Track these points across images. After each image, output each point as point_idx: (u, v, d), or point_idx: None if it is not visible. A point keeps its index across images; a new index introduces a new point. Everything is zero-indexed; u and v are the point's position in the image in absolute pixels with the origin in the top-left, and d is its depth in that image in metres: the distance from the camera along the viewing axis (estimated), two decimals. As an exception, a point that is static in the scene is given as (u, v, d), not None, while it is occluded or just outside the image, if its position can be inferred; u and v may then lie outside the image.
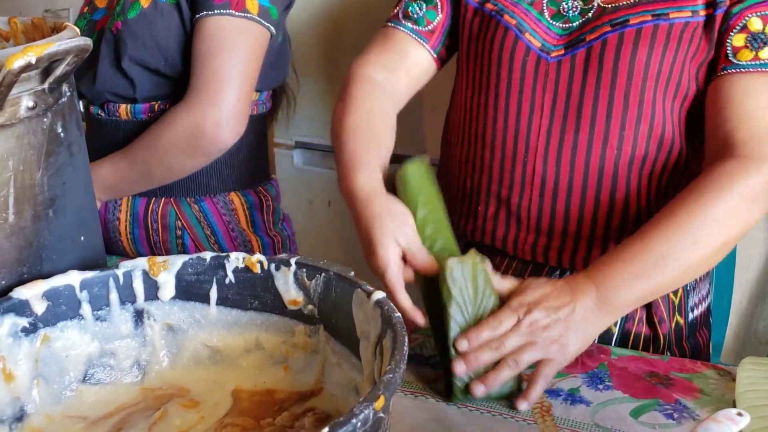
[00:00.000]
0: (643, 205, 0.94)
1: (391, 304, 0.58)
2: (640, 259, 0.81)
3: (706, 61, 0.91)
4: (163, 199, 1.17)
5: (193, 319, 0.70)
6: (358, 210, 0.85)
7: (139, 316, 0.69)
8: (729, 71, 0.89)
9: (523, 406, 0.76)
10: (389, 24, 1.05)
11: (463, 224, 1.04)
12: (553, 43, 0.95)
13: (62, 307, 0.64)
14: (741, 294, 1.47)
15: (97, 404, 0.65)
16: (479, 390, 0.75)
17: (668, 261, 0.80)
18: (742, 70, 0.88)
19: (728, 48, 0.89)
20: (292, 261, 0.67)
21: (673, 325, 0.98)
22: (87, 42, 0.61)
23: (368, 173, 0.87)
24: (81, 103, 1.17)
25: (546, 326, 0.77)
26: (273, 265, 0.67)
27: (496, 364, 0.76)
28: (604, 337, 0.96)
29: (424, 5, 1.04)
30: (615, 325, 0.96)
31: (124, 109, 1.14)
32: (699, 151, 0.96)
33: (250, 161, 1.21)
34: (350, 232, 1.72)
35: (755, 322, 1.52)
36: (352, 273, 0.64)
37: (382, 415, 0.46)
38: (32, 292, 0.62)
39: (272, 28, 1.11)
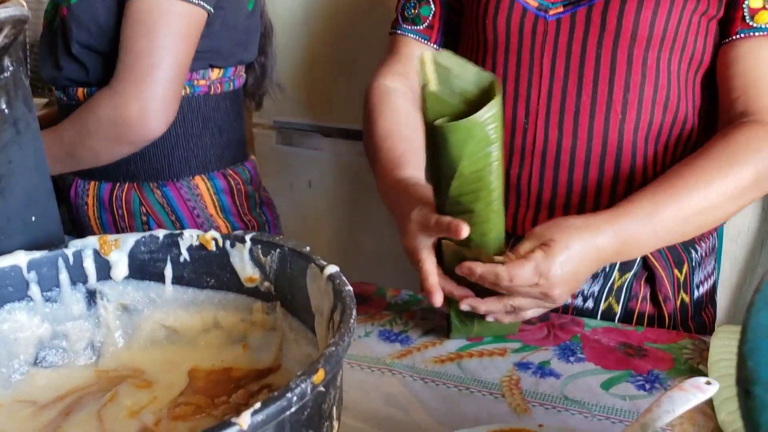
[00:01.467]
0: (650, 175, 0.91)
1: (343, 278, 0.56)
2: (670, 217, 0.78)
3: (716, 17, 0.87)
4: (126, 185, 1.14)
5: (149, 299, 0.68)
6: (398, 200, 0.83)
7: (91, 296, 0.67)
8: (746, 35, 0.85)
9: (489, 318, 0.77)
10: (393, 30, 1.06)
11: None
12: (552, 1, 0.91)
13: (9, 289, 0.62)
14: (730, 268, 1.46)
15: (48, 387, 0.63)
16: (464, 307, 0.76)
17: (697, 219, 0.79)
18: (761, 33, 0.84)
19: (745, 10, 0.85)
20: (247, 237, 0.65)
21: (678, 303, 0.96)
22: (23, 13, 0.59)
23: (411, 170, 0.86)
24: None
25: (560, 295, 0.74)
26: (228, 242, 0.65)
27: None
28: (608, 315, 0.94)
29: (416, 2, 1.03)
30: (618, 303, 0.94)
31: (81, 93, 1.11)
32: (706, 120, 0.93)
33: (218, 143, 1.18)
34: (331, 212, 1.71)
35: (744, 296, 1.51)
36: (308, 248, 0.62)
37: (322, 389, 0.45)
38: (-24, 274, 0.60)
39: (207, 5, 1.06)
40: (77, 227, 1.23)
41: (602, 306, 0.94)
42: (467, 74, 0.70)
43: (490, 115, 0.67)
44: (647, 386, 0.74)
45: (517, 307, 0.75)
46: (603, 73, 0.88)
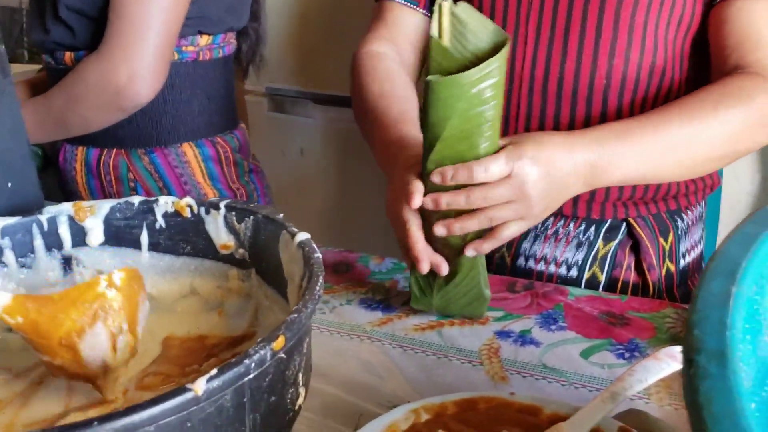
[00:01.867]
0: None
1: (313, 245, 0.56)
2: (646, 141, 0.76)
3: None
4: (114, 150, 1.14)
5: (125, 265, 0.68)
6: (395, 158, 0.79)
7: (67, 263, 0.67)
8: None
9: (469, 252, 0.73)
10: None
11: None
12: None
13: (-17, 255, 0.62)
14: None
15: (23, 355, 0.63)
16: (439, 230, 0.71)
17: (678, 151, 0.77)
18: None
19: None
20: (222, 204, 0.64)
21: (663, 272, 0.95)
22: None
23: (410, 127, 0.83)
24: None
25: (533, 183, 0.70)
26: (203, 209, 0.65)
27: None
28: (592, 284, 0.94)
29: None
30: (602, 272, 0.94)
31: (68, 57, 1.10)
32: (694, 86, 0.91)
33: (207, 110, 1.17)
34: (322, 179, 1.71)
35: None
36: (281, 215, 0.62)
37: (283, 355, 0.45)
38: (-53, 240, 0.60)
39: None
40: (66, 193, 1.22)
41: (586, 274, 0.94)
42: (484, 31, 0.67)
43: (488, 72, 0.65)
44: (627, 355, 0.74)
45: (493, 219, 0.71)
46: (588, 39, 0.86)
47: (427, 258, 0.74)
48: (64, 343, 0.52)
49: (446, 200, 0.70)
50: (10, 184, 0.69)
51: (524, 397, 0.56)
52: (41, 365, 0.62)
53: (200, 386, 0.39)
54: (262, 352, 0.42)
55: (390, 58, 0.97)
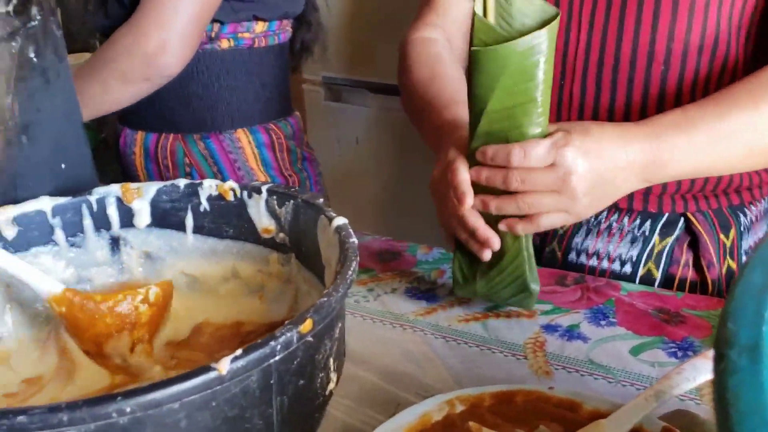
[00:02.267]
0: None
1: (349, 230, 0.55)
2: (707, 128, 0.71)
3: None
4: (171, 136, 1.16)
5: (170, 247, 0.69)
6: (446, 139, 0.76)
7: (115, 243, 0.68)
8: None
9: (501, 226, 0.71)
10: None
11: None
12: None
13: (34, 233, 0.64)
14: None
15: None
16: (476, 203, 0.69)
17: (743, 139, 0.72)
18: None
19: None
20: (263, 188, 0.64)
21: (723, 269, 0.91)
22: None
23: (463, 108, 0.78)
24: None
25: (580, 176, 0.67)
26: (246, 193, 0.65)
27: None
28: (647, 281, 0.90)
29: None
30: (657, 268, 0.90)
31: None
32: (759, 63, 0.85)
33: (261, 97, 1.18)
34: (377, 168, 1.70)
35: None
36: (321, 200, 0.61)
37: (311, 339, 0.44)
38: (1, 217, 0.61)
39: None
40: (127, 178, 1.25)
41: (641, 271, 0.90)
42: (530, 7, 0.65)
43: (533, 45, 0.63)
44: (679, 354, 0.71)
45: (532, 205, 0.68)
46: (645, 23, 0.83)
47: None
48: (93, 340, 0.58)
49: (485, 174, 0.69)
50: (64, 166, 0.71)
51: (564, 392, 0.54)
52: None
53: (224, 366, 0.39)
54: (288, 334, 0.42)
55: (439, 43, 0.95)
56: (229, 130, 1.16)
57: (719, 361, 0.26)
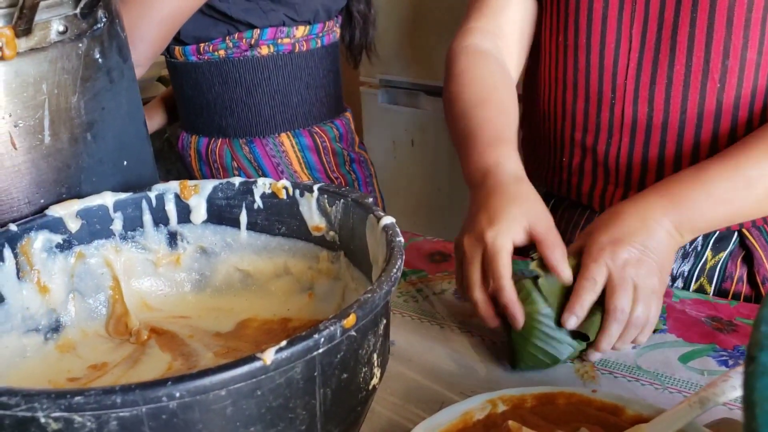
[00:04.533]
0: None
1: (396, 229, 0.56)
2: (724, 179, 0.72)
3: None
4: (220, 140, 1.20)
5: (225, 243, 0.71)
6: (487, 187, 0.73)
7: (173, 238, 0.71)
8: None
9: (595, 356, 0.69)
10: None
11: (550, 177, 0.97)
12: None
13: (96, 226, 0.67)
14: None
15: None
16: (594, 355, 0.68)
17: (756, 185, 0.72)
18: None
19: None
20: (315, 187, 0.66)
21: None
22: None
23: (512, 150, 0.77)
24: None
25: (639, 260, 0.66)
26: (298, 191, 0.67)
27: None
28: (701, 293, 0.88)
29: None
30: (710, 283, 0.88)
31: (177, 51, 1.16)
32: None
33: (306, 101, 1.21)
34: (432, 171, 1.71)
35: None
36: (370, 200, 0.62)
37: (354, 334, 0.45)
38: (66, 211, 0.65)
39: None
40: (186, 177, 1.30)
41: (693, 286, 0.88)
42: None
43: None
44: (730, 362, 0.70)
45: (618, 308, 0.65)
46: (699, 39, 0.80)
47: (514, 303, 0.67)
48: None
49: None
50: (126, 162, 0.74)
51: (606, 395, 0.54)
52: (147, 333, 0.66)
53: (269, 356, 0.40)
54: (332, 328, 0.43)
55: (492, 58, 0.90)
56: (273, 134, 1.19)
57: (749, 363, 0.26)
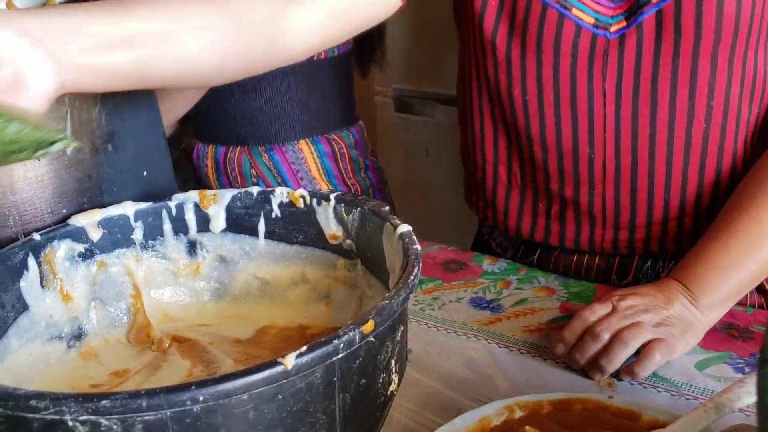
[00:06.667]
0: (739, 171, 0.81)
1: (413, 237, 0.57)
2: (725, 249, 0.73)
3: None
4: (238, 148, 1.21)
5: (243, 251, 0.72)
6: None
7: (192, 246, 0.72)
8: None
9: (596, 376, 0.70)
10: None
11: (516, 221, 0.93)
12: (610, 15, 0.78)
13: (117, 236, 0.68)
14: None
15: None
16: (597, 376, 0.69)
17: (758, 248, 0.73)
18: None
19: None
20: (332, 196, 0.67)
21: None
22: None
23: None
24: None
25: (646, 309, 0.70)
26: (315, 200, 0.68)
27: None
28: None
29: None
30: None
31: None
32: None
33: (323, 109, 1.22)
34: (446, 180, 1.71)
35: None
36: (387, 208, 0.63)
37: (373, 339, 0.46)
38: (88, 220, 0.66)
39: None
40: (201, 188, 1.31)
41: None
42: None
43: None
44: (747, 369, 0.70)
45: (618, 334, 0.68)
46: (682, 84, 0.77)
47: None
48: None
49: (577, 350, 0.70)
50: (145, 173, 0.75)
51: (622, 401, 0.55)
52: (168, 341, 0.67)
53: (290, 361, 0.41)
54: (351, 333, 0.44)
55: None
56: (292, 141, 1.20)
57: (762, 365, 0.27)
